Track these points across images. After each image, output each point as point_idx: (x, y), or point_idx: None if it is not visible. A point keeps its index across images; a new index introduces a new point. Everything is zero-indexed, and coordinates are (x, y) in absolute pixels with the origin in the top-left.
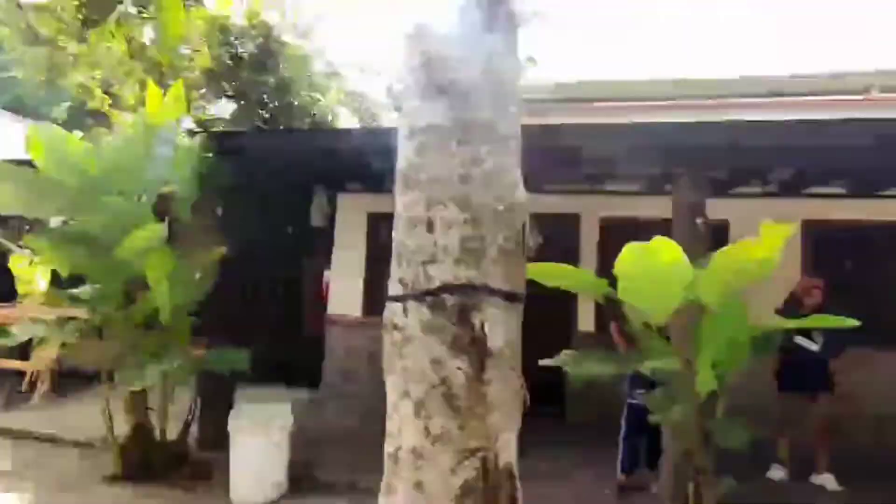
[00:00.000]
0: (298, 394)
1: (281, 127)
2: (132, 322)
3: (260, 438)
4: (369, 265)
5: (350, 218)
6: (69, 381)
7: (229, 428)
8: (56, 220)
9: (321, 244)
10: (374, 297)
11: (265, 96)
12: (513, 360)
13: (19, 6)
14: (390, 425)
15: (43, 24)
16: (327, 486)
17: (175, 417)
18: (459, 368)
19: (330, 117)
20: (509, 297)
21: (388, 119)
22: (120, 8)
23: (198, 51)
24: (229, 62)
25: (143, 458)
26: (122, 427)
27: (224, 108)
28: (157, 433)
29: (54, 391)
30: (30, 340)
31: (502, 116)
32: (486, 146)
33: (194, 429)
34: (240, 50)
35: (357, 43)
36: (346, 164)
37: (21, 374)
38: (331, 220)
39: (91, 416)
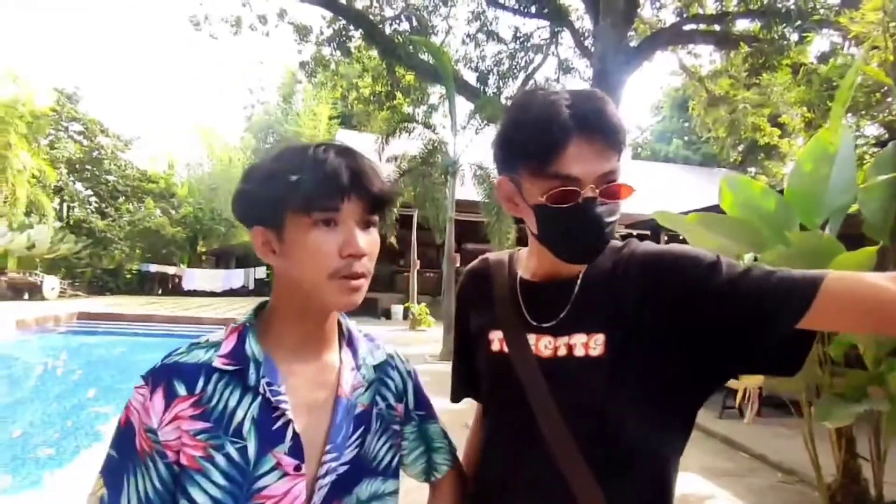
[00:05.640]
0: None
1: None
2: (825, 356)
3: None
4: None
5: None
6: (769, 404)
7: None
8: (748, 256)
9: None
10: None
11: None
12: None
13: (700, 80)
14: None
15: (718, 87)
16: None
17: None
18: None
19: None
20: None
21: None
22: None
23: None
24: None
25: None
26: (828, 463)
27: None
28: (870, 487)
29: (759, 414)
30: None
31: None
32: None
33: None
34: None
35: None
36: None
37: (732, 391)
38: None
39: (791, 443)
